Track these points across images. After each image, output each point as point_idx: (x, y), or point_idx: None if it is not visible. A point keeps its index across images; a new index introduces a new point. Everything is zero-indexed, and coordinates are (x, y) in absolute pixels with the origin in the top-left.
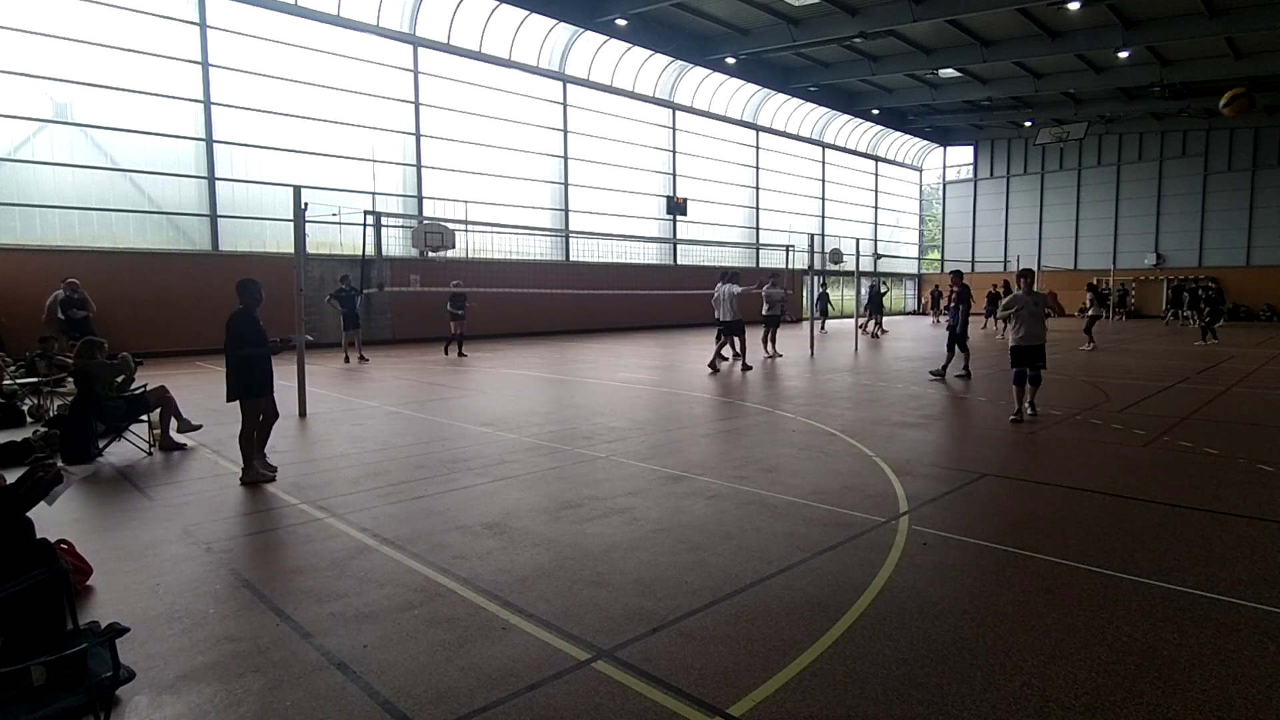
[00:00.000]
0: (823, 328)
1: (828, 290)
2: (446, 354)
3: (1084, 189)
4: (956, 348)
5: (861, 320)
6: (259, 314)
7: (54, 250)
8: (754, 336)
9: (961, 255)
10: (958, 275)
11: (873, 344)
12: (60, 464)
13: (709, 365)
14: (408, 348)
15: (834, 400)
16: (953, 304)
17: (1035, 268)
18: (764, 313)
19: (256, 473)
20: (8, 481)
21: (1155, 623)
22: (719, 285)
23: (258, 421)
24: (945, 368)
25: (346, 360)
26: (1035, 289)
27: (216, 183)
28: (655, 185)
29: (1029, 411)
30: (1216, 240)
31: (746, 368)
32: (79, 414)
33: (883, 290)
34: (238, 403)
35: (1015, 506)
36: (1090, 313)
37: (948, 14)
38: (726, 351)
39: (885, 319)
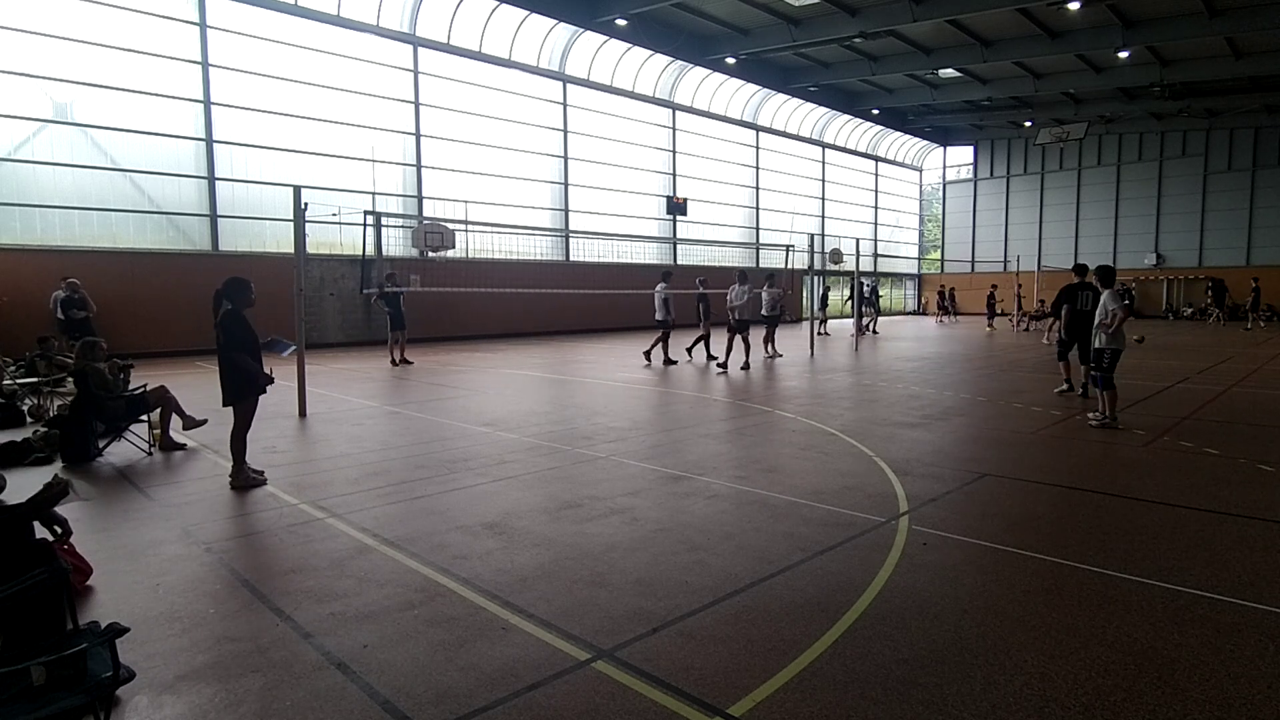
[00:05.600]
0: (873, 329)
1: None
2: (690, 357)
3: (1084, 189)
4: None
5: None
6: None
7: (54, 250)
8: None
9: (962, 255)
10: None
11: (870, 344)
12: (68, 479)
13: (743, 366)
14: (409, 347)
15: (834, 400)
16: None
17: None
18: (763, 313)
19: (248, 476)
20: (6, 482)
21: (1155, 623)
22: (737, 286)
23: (250, 423)
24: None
25: (393, 362)
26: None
27: (216, 183)
28: (655, 185)
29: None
30: (1216, 240)
31: (722, 365)
32: (79, 414)
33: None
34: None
35: (1015, 506)
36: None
37: (948, 14)
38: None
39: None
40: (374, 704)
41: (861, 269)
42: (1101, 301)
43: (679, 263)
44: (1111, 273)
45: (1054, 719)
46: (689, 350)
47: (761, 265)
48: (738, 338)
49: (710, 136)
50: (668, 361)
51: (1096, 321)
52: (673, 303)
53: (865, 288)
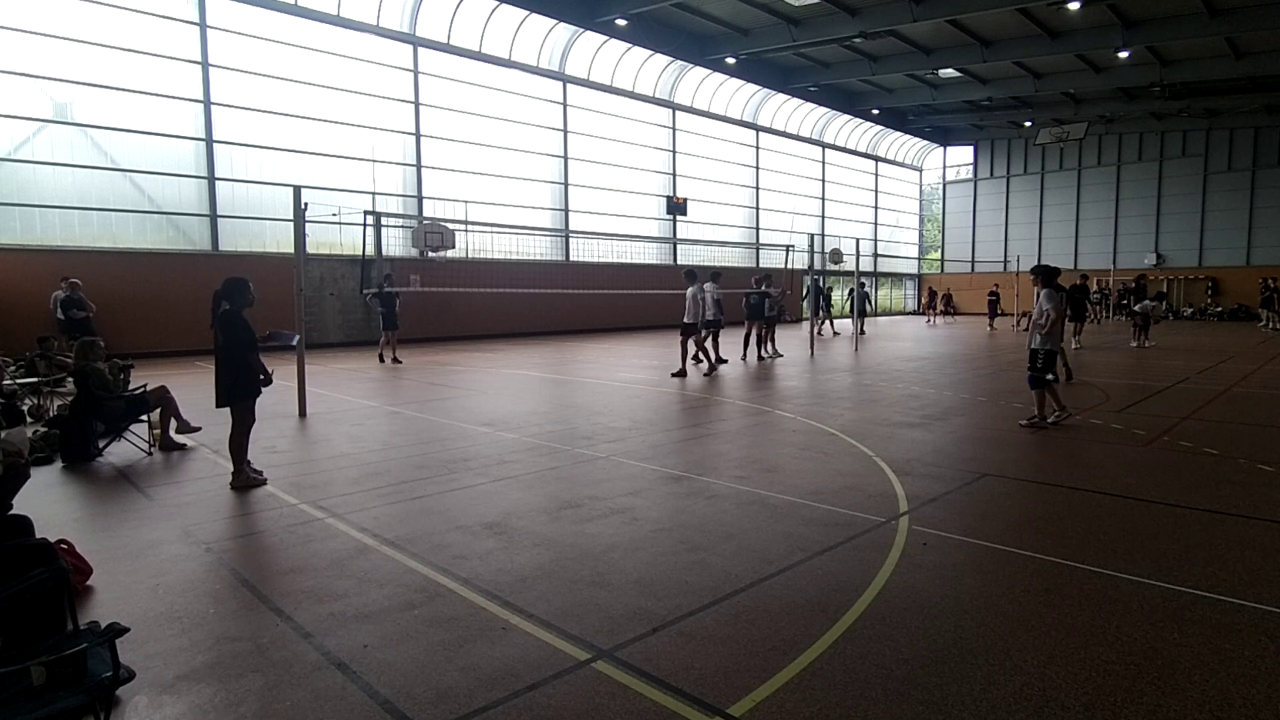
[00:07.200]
0: (861, 329)
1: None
2: (758, 354)
3: (1084, 189)
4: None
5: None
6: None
7: (54, 250)
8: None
9: (962, 255)
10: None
11: (869, 343)
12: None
13: (677, 373)
14: (408, 347)
15: (834, 400)
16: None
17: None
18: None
19: (248, 477)
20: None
21: (1155, 623)
22: (705, 286)
23: (250, 424)
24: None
25: (382, 360)
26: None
27: (216, 183)
28: (655, 185)
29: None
30: (1216, 240)
31: (697, 365)
32: (79, 414)
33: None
34: (228, 408)
35: (1015, 506)
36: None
37: (948, 14)
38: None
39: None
40: (374, 704)
41: (861, 269)
42: (1037, 301)
43: (679, 263)
44: (1050, 271)
45: (1054, 719)
46: (744, 351)
47: (761, 265)
48: (690, 342)
49: (710, 136)
50: (754, 357)
51: (1031, 320)
52: (723, 302)
53: (860, 288)
